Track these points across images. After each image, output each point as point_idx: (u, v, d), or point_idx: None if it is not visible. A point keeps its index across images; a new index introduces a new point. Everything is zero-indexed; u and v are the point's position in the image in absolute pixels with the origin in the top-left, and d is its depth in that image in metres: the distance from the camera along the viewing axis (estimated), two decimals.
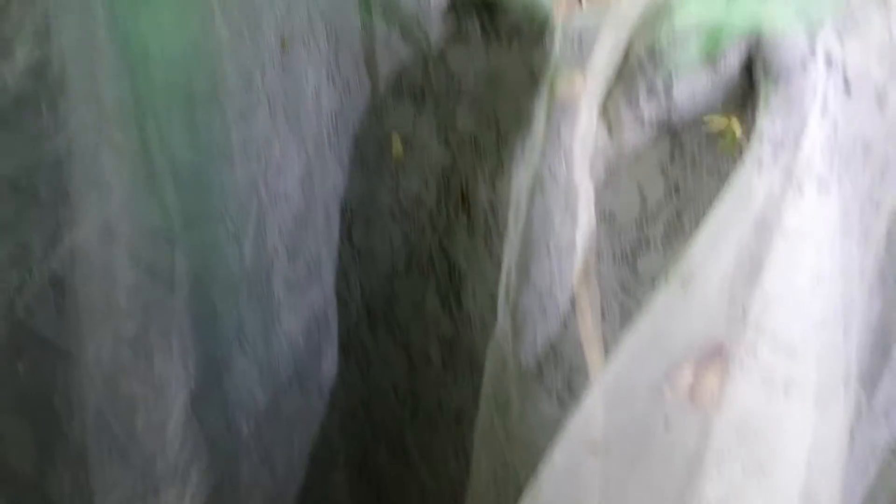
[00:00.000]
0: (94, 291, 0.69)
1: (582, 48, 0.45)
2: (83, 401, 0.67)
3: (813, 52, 0.38)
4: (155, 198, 0.67)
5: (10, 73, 0.57)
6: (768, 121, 0.39)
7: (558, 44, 0.46)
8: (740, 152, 0.41)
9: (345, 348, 0.80)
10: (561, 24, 0.45)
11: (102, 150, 0.64)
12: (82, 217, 0.65)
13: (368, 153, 0.69)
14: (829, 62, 0.38)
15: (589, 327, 0.51)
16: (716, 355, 0.42)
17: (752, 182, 0.40)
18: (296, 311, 0.77)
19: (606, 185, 0.49)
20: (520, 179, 0.53)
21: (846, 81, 0.39)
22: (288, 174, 0.70)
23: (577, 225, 0.49)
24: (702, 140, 0.43)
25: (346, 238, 0.75)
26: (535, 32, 0.51)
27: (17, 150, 0.61)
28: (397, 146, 0.65)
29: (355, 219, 0.74)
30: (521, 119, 0.55)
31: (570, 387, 0.51)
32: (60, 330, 0.68)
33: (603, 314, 0.52)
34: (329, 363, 0.81)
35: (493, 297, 0.60)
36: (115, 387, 0.72)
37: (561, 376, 0.53)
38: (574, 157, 0.47)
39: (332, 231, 0.75)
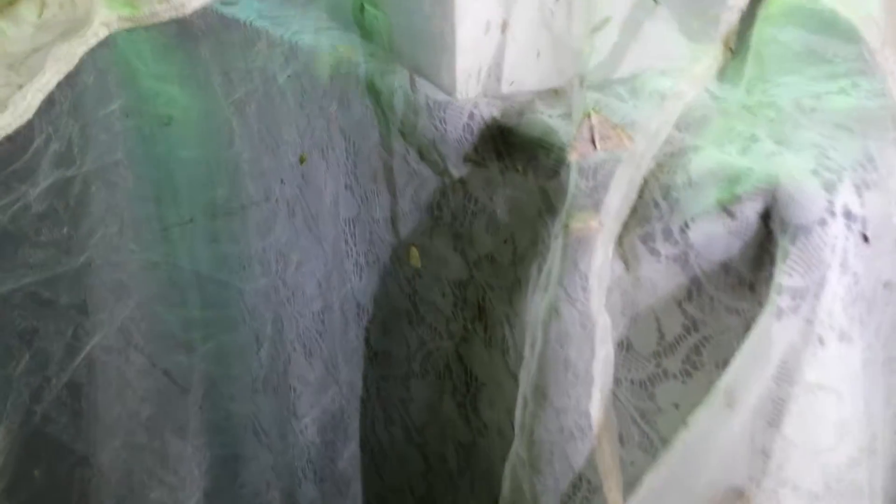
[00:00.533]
0: (111, 397, 0.69)
1: (597, 186, 0.46)
2: None
3: (832, 210, 0.38)
4: (174, 306, 0.68)
5: (33, 193, 0.58)
6: (786, 273, 0.39)
7: (573, 182, 0.46)
8: (759, 302, 0.40)
9: (361, 445, 0.80)
10: (576, 163, 0.45)
11: (122, 261, 0.64)
12: (101, 326, 0.66)
13: (385, 260, 0.70)
14: (848, 218, 0.38)
15: (607, 453, 0.51)
16: (737, 501, 0.42)
17: (771, 331, 0.40)
18: (312, 408, 0.77)
19: (623, 315, 0.49)
20: (536, 302, 0.52)
21: (866, 235, 0.39)
22: (306, 279, 0.70)
23: (595, 354, 0.48)
24: (720, 281, 0.43)
25: (363, 339, 0.75)
26: (550, 165, 0.51)
27: (38, 263, 0.61)
28: (415, 257, 0.66)
29: (372, 321, 0.74)
30: (537, 243, 0.55)
31: None
32: (77, 435, 0.68)
33: (622, 440, 0.51)
34: (345, 459, 0.81)
35: (511, 411, 0.59)
36: (129, 490, 0.71)
37: (579, 501, 0.52)
38: (591, 289, 0.47)
39: (348, 332, 0.75)
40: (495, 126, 0.55)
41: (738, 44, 0.47)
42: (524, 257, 0.57)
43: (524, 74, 0.57)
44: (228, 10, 0.55)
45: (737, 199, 0.40)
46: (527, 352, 0.53)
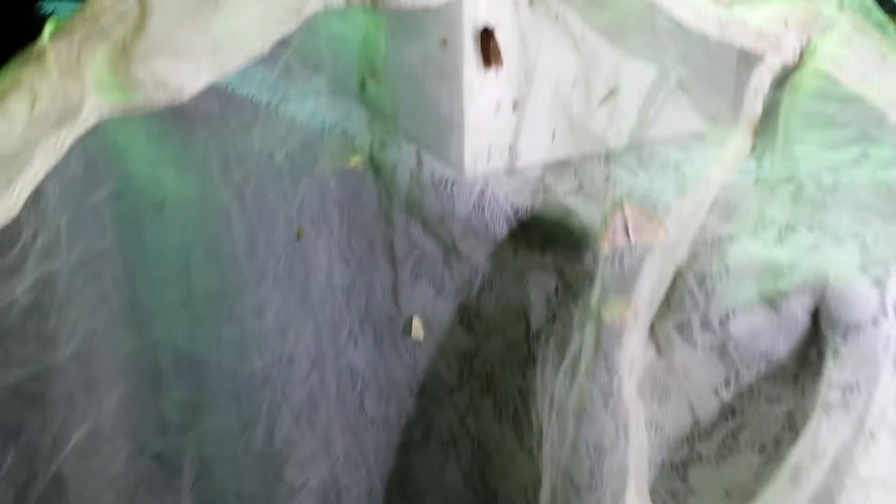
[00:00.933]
0: (100, 487, 0.66)
1: (627, 273, 0.45)
2: None
3: (884, 308, 0.37)
4: (165, 390, 0.65)
5: (20, 288, 0.54)
6: (836, 369, 0.38)
7: (602, 269, 0.45)
8: (802, 392, 0.40)
9: None
10: (608, 252, 0.44)
11: (111, 349, 0.61)
12: (89, 415, 0.63)
13: (382, 329, 0.68)
14: None
15: None
16: None
17: (821, 426, 0.39)
18: (309, 480, 0.75)
19: (654, 399, 0.48)
20: (561, 385, 0.51)
21: None
22: (301, 352, 0.68)
23: (629, 441, 0.47)
24: (761, 371, 0.42)
25: (359, 408, 0.73)
26: (569, 245, 0.50)
27: (24, 359, 0.58)
28: (417, 329, 0.64)
29: (367, 389, 0.72)
30: (553, 321, 0.54)
31: None
32: None
33: None
34: None
35: (525, 487, 0.58)
36: None
37: None
38: (623, 378, 0.46)
39: (344, 401, 0.73)
40: (508, 205, 0.54)
41: (762, 125, 0.46)
42: (539, 334, 0.56)
43: (535, 149, 0.56)
44: (227, 86, 0.53)
45: (782, 294, 0.40)
46: (550, 434, 0.52)
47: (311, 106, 0.60)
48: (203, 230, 0.58)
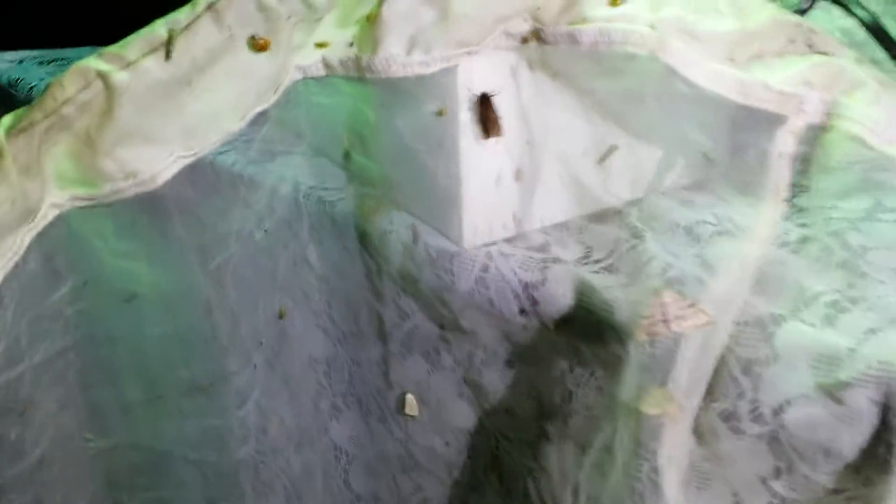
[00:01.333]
0: None
1: (663, 361, 0.42)
2: None
3: None
4: (139, 489, 0.59)
5: None
6: None
7: (635, 356, 0.42)
8: (866, 482, 0.37)
9: None
10: (645, 341, 0.41)
11: (77, 451, 0.56)
12: None
13: (369, 403, 0.64)
14: None
15: None
16: None
17: None
18: None
19: (692, 487, 0.45)
20: (584, 475, 0.48)
21: None
22: (284, 436, 0.63)
23: None
24: (818, 462, 0.40)
25: (344, 484, 0.69)
26: (587, 324, 0.47)
27: None
28: (411, 406, 0.60)
29: (352, 465, 0.67)
30: (570, 400, 0.51)
31: None
32: None
33: None
34: None
35: None
36: None
37: None
38: (664, 472, 0.43)
39: (329, 479, 0.68)
40: (515, 281, 0.50)
41: (791, 193, 0.44)
42: (552, 414, 0.52)
43: (539, 215, 0.53)
44: (202, 167, 0.48)
45: (844, 385, 0.37)
46: None
47: (291, 177, 0.55)
48: (178, 320, 0.53)
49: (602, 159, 0.53)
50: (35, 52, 1.00)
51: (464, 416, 0.58)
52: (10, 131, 0.42)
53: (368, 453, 0.66)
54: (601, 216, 0.55)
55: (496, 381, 0.55)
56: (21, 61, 0.96)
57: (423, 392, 0.60)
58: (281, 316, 0.58)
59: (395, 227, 0.54)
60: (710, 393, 0.42)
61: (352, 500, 0.69)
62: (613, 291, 0.47)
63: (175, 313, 0.52)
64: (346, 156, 0.55)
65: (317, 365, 0.64)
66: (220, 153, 0.53)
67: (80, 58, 0.96)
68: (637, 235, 0.51)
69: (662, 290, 0.41)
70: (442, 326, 0.56)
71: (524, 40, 0.47)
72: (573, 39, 0.45)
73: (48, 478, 0.55)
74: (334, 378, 0.65)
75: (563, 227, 0.54)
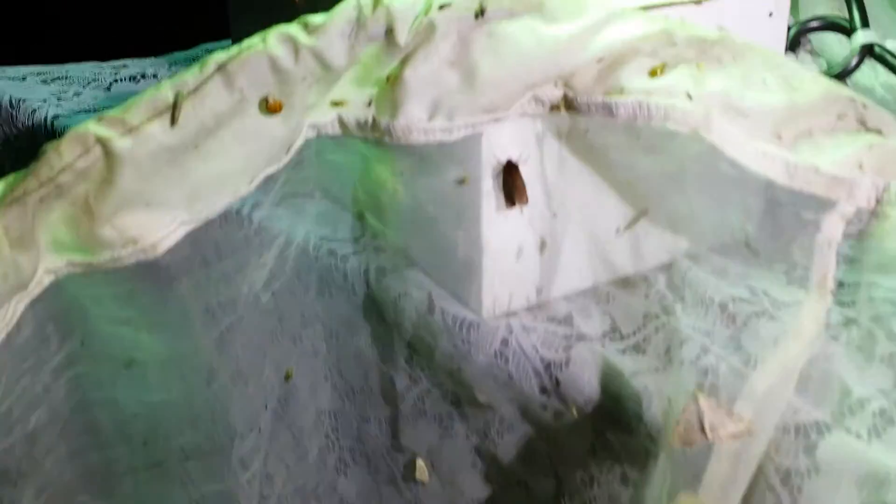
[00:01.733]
0: None
1: (698, 469, 0.39)
2: None
3: None
4: None
5: None
6: None
7: (670, 459, 0.39)
8: None
9: None
10: (678, 447, 0.38)
11: None
12: None
13: (378, 461, 0.61)
14: None
15: None
16: None
17: None
18: None
19: None
20: None
21: None
22: (293, 496, 0.61)
23: None
24: None
25: None
26: (613, 409, 0.44)
27: None
28: (422, 471, 0.57)
29: None
30: (592, 485, 0.48)
31: None
32: None
33: None
34: None
35: None
36: None
37: None
38: None
39: None
40: (537, 358, 0.47)
41: (838, 288, 0.41)
42: (573, 495, 0.50)
43: (562, 285, 0.50)
44: (207, 232, 0.45)
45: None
46: None
47: (302, 227, 0.52)
48: (181, 389, 0.50)
49: (631, 224, 0.50)
50: (38, 69, 0.97)
51: (477, 487, 0.56)
52: (3, 201, 0.39)
53: None
54: (628, 282, 0.52)
55: (512, 455, 0.52)
56: (24, 78, 0.94)
57: (435, 458, 0.57)
58: (287, 377, 0.55)
59: (409, 290, 0.51)
60: (746, 502, 0.39)
61: None
62: (643, 379, 0.44)
63: (176, 379, 0.49)
64: (360, 215, 0.52)
65: (324, 418, 0.61)
66: (227, 217, 0.50)
67: (81, 75, 0.93)
68: (667, 310, 0.48)
69: (698, 394, 0.38)
70: (456, 395, 0.53)
71: (554, 108, 0.44)
72: (608, 111, 0.42)
73: None
74: (342, 432, 0.62)
75: (587, 294, 0.51)
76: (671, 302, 0.49)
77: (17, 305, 0.43)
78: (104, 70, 0.96)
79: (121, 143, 0.40)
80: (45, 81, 0.94)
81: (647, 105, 0.41)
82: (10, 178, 0.40)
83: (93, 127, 0.40)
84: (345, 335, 0.57)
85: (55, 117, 0.78)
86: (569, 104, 0.43)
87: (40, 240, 0.41)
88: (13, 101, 0.85)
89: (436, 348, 0.50)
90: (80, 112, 0.80)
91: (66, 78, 0.95)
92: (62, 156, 0.40)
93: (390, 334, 0.54)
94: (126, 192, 0.41)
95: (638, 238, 0.50)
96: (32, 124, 0.80)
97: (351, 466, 0.63)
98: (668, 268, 0.51)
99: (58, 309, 0.46)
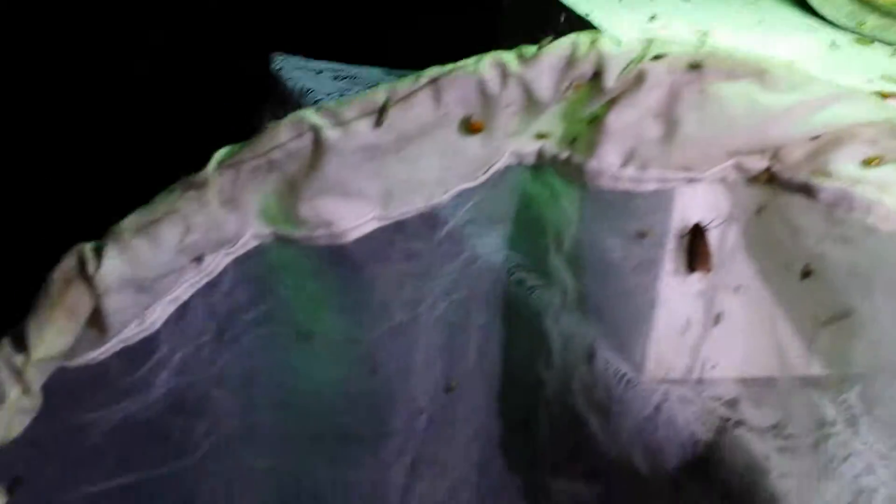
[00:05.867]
0: None
1: None
2: None
3: None
4: None
5: (146, 402, 0.52)
6: None
7: None
8: None
9: None
10: None
11: (234, 463, 0.58)
12: None
13: None
14: None
15: None
16: None
17: None
18: None
19: None
20: None
21: None
22: None
23: None
24: None
25: None
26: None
27: (147, 465, 0.56)
28: None
29: None
30: None
31: None
32: None
33: None
34: None
35: None
36: None
37: None
38: None
39: None
40: (687, 433, 0.45)
41: None
42: None
43: (732, 364, 0.47)
44: (403, 234, 0.48)
45: None
46: None
47: (495, 250, 0.54)
48: (347, 371, 0.53)
49: (827, 323, 0.46)
50: (335, 65, 1.06)
51: None
52: (221, 164, 0.44)
53: None
54: (817, 382, 0.48)
55: None
56: (320, 72, 1.03)
57: None
58: (451, 389, 0.56)
59: (578, 332, 0.51)
60: None
61: None
62: (788, 482, 0.41)
63: (343, 363, 0.52)
64: (546, 248, 0.53)
65: (473, 444, 0.62)
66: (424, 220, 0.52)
67: (368, 77, 1.01)
68: (851, 422, 0.44)
69: None
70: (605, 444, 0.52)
71: (755, 178, 0.42)
72: (809, 192, 0.39)
73: (202, 481, 0.57)
74: (482, 470, 0.62)
75: (763, 383, 0.48)
76: (858, 414, 0.45)
77: (224, 258, 0.48)
78: (388, 76, 1.04)
79: (330, 134, 0.43)
80: (336, 78, 1.02)
81: (852, 195, 0.38)
82: (234, 147, 0.45)
83: (310, 115, 0.44)
84: (517, 366, 0.57)
85: None
86: (771, 177, 0.41)
87: (250, 205, 0.46)
88: (303, 90, 0.94)
89: (593, 392, 0.49)
90: None
91: (355, 78, 1.03)
92: (279, 135, 0.44)
93: (547, 369, 0.53)
94: (328, 179, 0.45)
95: (830, 338, 0.46)
96: None
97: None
98: (864, 378, 0.47)
99: (257, 272, 0.50)
